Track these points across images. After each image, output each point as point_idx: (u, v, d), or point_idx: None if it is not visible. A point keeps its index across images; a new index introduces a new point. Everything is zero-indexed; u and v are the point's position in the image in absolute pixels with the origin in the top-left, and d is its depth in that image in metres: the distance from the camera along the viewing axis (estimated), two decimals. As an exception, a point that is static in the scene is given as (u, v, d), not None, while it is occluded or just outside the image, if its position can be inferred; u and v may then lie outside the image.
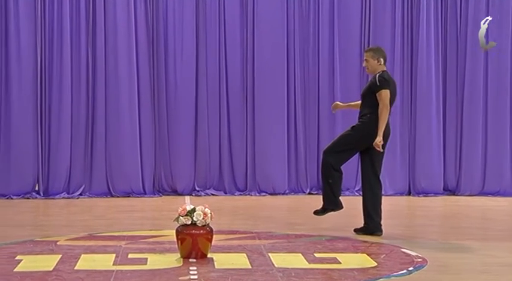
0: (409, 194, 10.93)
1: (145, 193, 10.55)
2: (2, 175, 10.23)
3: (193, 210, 6.02)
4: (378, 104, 7.27)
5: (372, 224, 7.39)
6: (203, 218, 6.01)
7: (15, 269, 5.71)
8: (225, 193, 10.75)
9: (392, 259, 6.21)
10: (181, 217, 6.02)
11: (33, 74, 10.29)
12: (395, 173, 10.84)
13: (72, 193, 10.40)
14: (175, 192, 10.72)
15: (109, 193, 10.50)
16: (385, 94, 7.25)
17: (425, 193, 10.87)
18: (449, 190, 11.03)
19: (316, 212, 7.49)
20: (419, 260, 6.15)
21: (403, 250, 6.60)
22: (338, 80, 10.89)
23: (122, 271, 5.66)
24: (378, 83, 7.29)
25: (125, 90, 10.48)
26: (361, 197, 7.50)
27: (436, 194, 10.88)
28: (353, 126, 7.48)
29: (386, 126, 7.31)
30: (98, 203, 10.03)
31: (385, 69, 7.45)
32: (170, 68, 10.68)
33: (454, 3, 10.95)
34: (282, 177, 10.83)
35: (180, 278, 5.48)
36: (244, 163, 10.80)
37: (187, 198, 10.23)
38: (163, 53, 10.65)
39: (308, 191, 10.89)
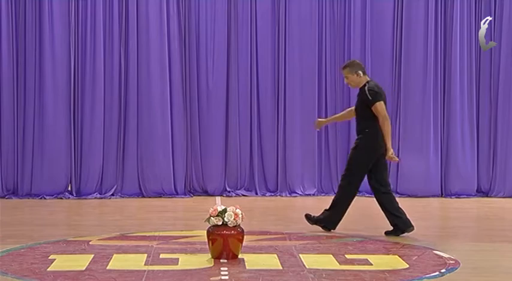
0: (441, 195, 10.83)
1: (176, 194, 10.59)
2: (36, 175, 10.34)
3: (225, 211, 6.03)
4: (374, 117, 7.33)
5: (400, 223, 7.37)
6: (234, 219, 6.01)
7: (48, 269, 5.77)
8: (256, 194, 10.75)
9: (425, 261, 6.17)
10: (212, 218, 6.04)
11: (66, 75, 10.38)
12: (428, 174, 10.75)
13: (104, 193, 10.47)
14: (206, 193, 10.75)
15: (141, 194, 10.56)
16: (380, 107, 7.31)
17: (458, 195, 10.77)
18: (483, 192, 10.91)
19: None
20: (451, 262, 6.10)
21: (435, 251, 6.55)
22: (369, 82, 10.84)
23: (153, 271, 5.69)
24: (369, 97, 7.33)
25: (157, 92, 10.53)
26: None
27: (469, 195, 10.78)
28: (354, 147, 7.51)
29: (377, 136, 7.32)
30: (129, 203, 10.10)
31: (368, 79, 7.52)
32: (202, 70, 10.71)
33: (488, 5, 10.83)
34: (312, 178, 10.80)
35: (211, 278, 5.50)
36: (275, 164, 10.80)
37: (218, 199, 10.25)
38: (195, 55, 10.68)
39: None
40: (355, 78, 7.47)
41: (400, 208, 7.49)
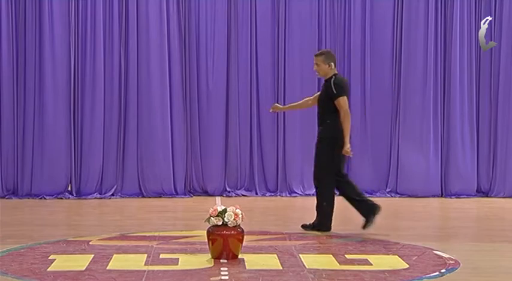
0: (441, 195, 10.83)
1: (176, 194, 10.59)
2: (36, 175, 10.33)
3: (225, 211, 6.03)
4: (336, 110, 7.47)
5: (367, 207, 7.49)
6: (234, 219, 6.02)
7: (48, 269, 5.77)
8: (256, 194, 10.75)
9: (425, 261, 6.17)
10: (212, 218, 6.04)
11: (66, 75, 10.38)
12: (428, 174, 10.75)
13: (104, 193, 10.47)
14: (206, 193, 10.75)
15: (141, 194, 10.56)
16: (343, 101, 7.46)
17: (458, 195, 10.77)
18: (483, 192, 10.91)
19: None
20: (451, 262, 6.10)
21: (435, 251, 6.54)
22: (369, 83, 10.83)
23: (153, 271, 5.70)
24: (334, 91, 7.47)
25: (157, 92, 10.53)
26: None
27: (469, 195, 10.77)
28: (318, 141, 7.65)
29: (338, 128, 7.46)
30: (129, 203, 10.10)
31: (336, 72, 7.64)
32: (202, 70, 10.71)
33: (489, 4, 10.83)
34: (312, 178, 10.77)
35: (211, 278, 5.50)
36: (275, 164, 10.80)
37: (218, 199, 10.25)
38: (195, 55, 10.67)
39: (339, 192, 10.83)
40: (326, 68, 7.59)
41: (362, 193, 7.70)
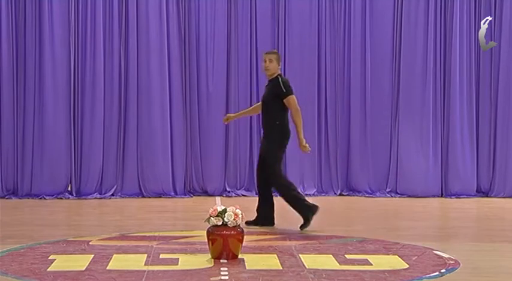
0: (441, 195, 10.84)
1: (176, 194, 10.59)
2: (36, 175, 10.34)
3: (224, 211, 6.03)
4: (283, 108, 7.61)
5: (266, 213, 7.83)
6: (234, 219, 6.02)
7: (48, 269, 5.77)
8: (256, 194, 10.71)
9: (425, 261, 6.17)
10: (212, 218, 6.04)
11: (66, 75, 10.38)
12: (428, 174, 10.76)
13: (104, 194, 10.48)
14: (206, 193, 10.75)
15: (140, 194, 10.56)
16: (293, 99, 7.63)
17: (458, 195, 10.77)
18: (482, 192, 10.92)
19: (303, 226, 7.61)
20: (451, 262, 6.10)
21: (435, 251, 6.55)
22: (369, 83, 10.83)
23: (153, 271, 5.70)
24: (284, 89, 7.61)
25: (157, 92, 10.53)
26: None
27: (469, 196, 10.78)
28: (267, 141, 7.70)
29: (287, 127, 7.58)
30: (129, 203, 10.10)
31: (280, 72, 7.80)
32: (202, 70, 10.71)
33: (489, 4, 10.83)
34: (312, 178, 10.80)
35: (211, 278, 5.50)
36: (275, 164, 10.79)
37: (218, 199, 10.25)
38: (195, 55, 10.68)
39: (339, 192, 10.85)
40: (275, 66, 7.73)
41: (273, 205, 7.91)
